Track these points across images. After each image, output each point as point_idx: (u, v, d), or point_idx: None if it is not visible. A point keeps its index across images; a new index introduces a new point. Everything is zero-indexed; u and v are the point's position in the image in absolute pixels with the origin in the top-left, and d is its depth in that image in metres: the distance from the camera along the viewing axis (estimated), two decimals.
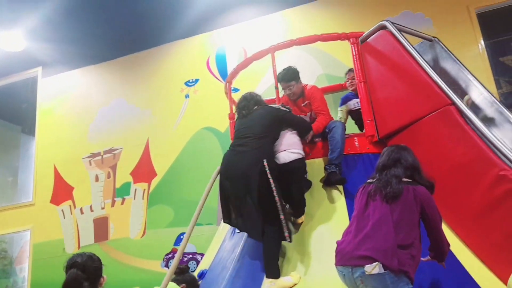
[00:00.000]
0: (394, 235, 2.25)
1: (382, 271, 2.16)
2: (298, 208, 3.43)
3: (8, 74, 7.62)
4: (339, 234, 3.16)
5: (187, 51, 6.63)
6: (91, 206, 6.50)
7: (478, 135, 3.03)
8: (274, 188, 3.13)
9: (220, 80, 6.25)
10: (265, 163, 3.18)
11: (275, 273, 3.04)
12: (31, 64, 7.40)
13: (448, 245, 2.53)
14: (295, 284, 2.97)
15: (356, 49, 4.05)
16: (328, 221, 3.37)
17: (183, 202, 5.97)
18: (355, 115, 4.44)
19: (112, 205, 6.39)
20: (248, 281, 3.23)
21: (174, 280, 3.45)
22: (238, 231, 3.69)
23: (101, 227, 6.34)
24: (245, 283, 3.24)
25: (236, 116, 3.75)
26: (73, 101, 7.15)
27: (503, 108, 3.73)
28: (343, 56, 5.48)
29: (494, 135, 3.03)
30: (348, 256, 2.31)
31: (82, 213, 6.53)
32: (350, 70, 4.44)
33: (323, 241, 3.22)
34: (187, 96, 6.45)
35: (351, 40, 4.08)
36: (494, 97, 3.85)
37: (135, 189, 6.33)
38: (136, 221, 6.18)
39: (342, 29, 4.25)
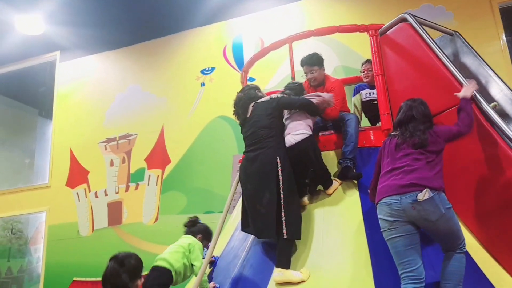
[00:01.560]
0: (428, 167, 2.65)
1: (432, 194, 2.54)
2: (324, 181, 3.47)
3: (27, 58, 7.71)
4: (351, 229, 3.21)
5: (204, 39, 6.63)
6: (105, 190, 6.59)
7: (497, 132, 2.99)
8: (282, 185, 3.16)
9: (236, 69, 6.24)
10: (278, 160, 3.22)
11: (285, 264, 3.06)
12: (49, 48, 7.47)
13: (469, 118, 2.90)
14: (303, 281, 2.96)
15: (375, 41, 4.01)
16: (342, 217, 3.36)
17: (196, 190, 6.03)
18: (366, 106, 4.42)
19: (126, 190, 6.47)
20: (259, 270, 3.26)
21: (188, 233, 3.58)
22: None
23: (115, 211, 6.43)
24: (256, 272, 3.26)
25: (237, 120, 3.72)
26: (90, 86, 7.22)
27: None
28: (361, 49, 5.43)
29: None
30: (393, 188, 2.64)
31: (96, 197, 6.63)
32: (367, 61, 4.42)
33: (336, 237, 3.23)
34: (202, 84, 6.46)
35: (370, 32, 4.03)
36: None
37: (149, 175, 6.39)
38: (149, 206, 6.25)
39: (360, 21, 4.20)
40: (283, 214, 3.12)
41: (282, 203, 3.14)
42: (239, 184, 3.53)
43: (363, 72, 4.53)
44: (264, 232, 3.23)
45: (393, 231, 2.63)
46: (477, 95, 3.10)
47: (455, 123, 2.94)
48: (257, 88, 3.72)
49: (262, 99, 3.57)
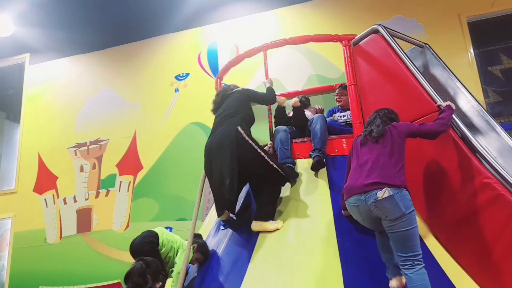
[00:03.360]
0: (390, 164, 2.74)
1: (391, 193, 2.61)
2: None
3: None
4: (321, 228, 3.24)
5: (179, 44, 6.59)
6: (74, 197, 6.43)
7: (464, 142, 3.07)
8: (255, 146, 3.34)
9: (211, 76, 6.22)
10: (239, 129, 3.37)
11: (262, 217, 3.33)
12: (19, 50, 7.30)
13: (446, 124, 3.02)
14: (278, 229, 3.30)
15: (348, 51, 4.07)
16: (313, 222, 3.38)
17: (169, 197, 5.96)
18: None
19: (97, 196, 6.33)
20: (230, 277, 3.24)
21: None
22: (223, 227, 3.69)
23: (84, 218, 6.28)
24: (226, 279, 3.24)
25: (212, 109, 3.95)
26: (60, 89, 7.06)
27: (490, 117, 3.79)
28: (335, 58, 5.52)
29: (480, 143, 3.08)
30: (358, 187, 2.74)
31: (65, 203, 6.46)
32: (341, 86, 4.57)
33: (305, 234, 3.26)
34: (176, 90, 6.41)
35: (343, 42, 4.10)
36: (481, 105, 3.90)
37: (121, 181, 6.28)
38: (120, 213, 6.13)
39: (334, 31, 4.26)
40: (271, 163, 3.33)
41: (264, 156, 3.33)
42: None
43: (337, 96, 4.60)
44: (227, 203, 3.41)
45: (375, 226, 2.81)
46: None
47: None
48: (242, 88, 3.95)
49: (236, 89, 3.86)
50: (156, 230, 3.53)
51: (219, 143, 3.42)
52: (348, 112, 4.26)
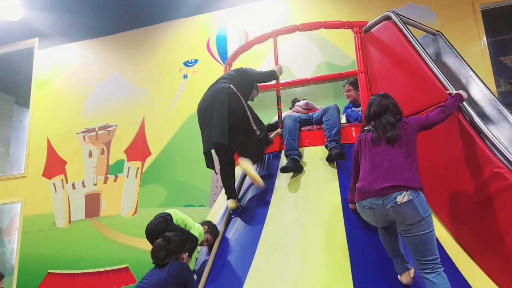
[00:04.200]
0: (407, 165, 2.65)
1: (411, 197, 2.53)
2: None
3: (4, 44, 7.50)
4: (329, 216, 3.23)
5: (188, 30, 6.54)
6: (83, 182, 6.47)
7: (476, 131, 3.04)
8: (244, 104, 3.62)
9: (219, 62, 6.19)
10: (230, 86, 3.62)
11: (251, 158, 3.61)
12: (28, 34, 7.28)
13: (447, 112, 2.97)
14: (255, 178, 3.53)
15: (359, 38, 4.03)
16: (320, 206, 3.37)
17: (176, 183, 5.97)
18: None
19: (105, 181, 6.36)
20: (238, 264, 3.25)
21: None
22: (233, 215, 3.70)
23: (92, 203, 6.32)
24: (235, 266, 3.26)
25: None
26: (69, 74, 7.05)
27: (502, 107, 3.73)
28: (345, 45, 5.45)
29: (492, 132, 3.04)
30: (375, 190, 2.64)
31: (74, 188, 6.50)
32: (347, 82, 4.57)
33: (313, 223, 3.24)
34: (185, 76, 6.38)
35: (354, 29, 4.05)
36: (494, 95, 3.85)
37: (129, 167, 6.30)
38: (128, 199, 6.16)
39: (345, 18, 4.22)
40: (250, 118, 3.60)
41: (248, 111, 3.60)
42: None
43: (346, 92, 4.61)
44: (218, 136, 3.51)
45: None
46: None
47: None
48: None
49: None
50: (169, 211, 3.54)
51: (211, 98, 3.66)
52: (360, 108, 4.22)
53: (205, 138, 3.67)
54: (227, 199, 3.73)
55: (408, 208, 2.52)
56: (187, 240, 3.29)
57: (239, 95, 3.63)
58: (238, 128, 3.59)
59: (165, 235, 3.13)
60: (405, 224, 2.56)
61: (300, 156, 3.68)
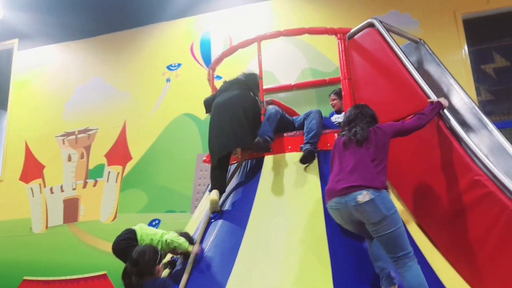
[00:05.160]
0: (371, 166, 2.72)
1: (372, 196, 2.58)
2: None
3: None
4: (311, 222, 3.21)
5: (172, 34, 6.49)
6: (62, 186, 6.34)
7: (456, 139, 3.05)
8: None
9: (203, 66, 6.14)
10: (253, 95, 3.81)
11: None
12: (7, 35, 7.15)
13: (425, 118, 3.00)
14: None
15: (342, 45, 4.04)
16: (302, 212, 3.35)
17: (157, 188, 5.88)
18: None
19: (84, 186, 6.24)
20: (217, 270, 3.20)
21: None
22: (213, 219, 3.65)
23: (71, 208, 6.19)
24: (214, 272, 3.20)
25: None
26: (49, 76, 6.93)
27: (482, 115, 3.77)
28: (329, 52, 5.47)
29: (472, 140, 3.06)
30: (339, 189, 2.71)
31: (52, 192, 6.36)
32: (333, 92, 4.75)
33: (294, 228, 3.22)
34: (168, 80, 6.32)
35: (338, 35, 4.06)
36: (474, 103, 3.89)
37: (109, 172, 6.19)
38: (108, 204, 6.05)
39: (329, 24, 4.23)
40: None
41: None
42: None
43: (331, 102, 4.82)
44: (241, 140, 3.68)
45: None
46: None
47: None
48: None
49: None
50: (136, 226, 3.46)
51: (233, 102, 3.77)
52: (342, 114, 4.26)
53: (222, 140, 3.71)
54: (211, 190, 3.67)
55: (370, 207, 2.59)
56: (157, 252, 3.14)
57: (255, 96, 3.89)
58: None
59: (132, 258, 2.96)
60: (370, 223, 2.62)
61: (273, 139, 3.68)
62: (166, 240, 3.31)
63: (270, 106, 3.97)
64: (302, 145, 3.63)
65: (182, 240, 3.34)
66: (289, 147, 3.79)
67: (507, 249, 2.70)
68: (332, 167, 3.00)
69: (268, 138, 3.62)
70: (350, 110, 3.07)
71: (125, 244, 3.29)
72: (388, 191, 2.71)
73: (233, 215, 3.58)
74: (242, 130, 3.65)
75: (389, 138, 2.86)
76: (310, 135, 3.63)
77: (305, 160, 3.57)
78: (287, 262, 3.04)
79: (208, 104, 4.08)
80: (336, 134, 3.78)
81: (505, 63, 5.86)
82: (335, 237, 3.10)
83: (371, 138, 2.80)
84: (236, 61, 5.13)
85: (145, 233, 3.40)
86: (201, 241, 3.50)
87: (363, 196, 2.59)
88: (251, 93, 3.90)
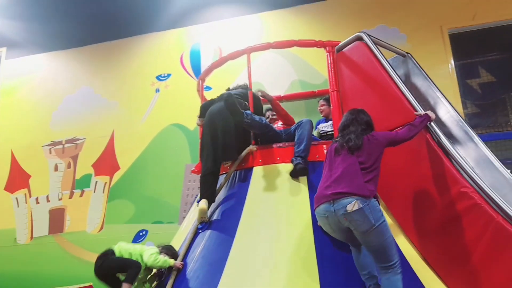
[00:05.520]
0: (361, 174, 2.70)
1: (361, 205, 2.57)
2: None
3: None
4: (299, 232, 3.21)
5: (162, 44, 6.50)
6: (47, 196, 6.25)
7: (443, 151, 3.09)
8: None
9: (192, 77, 6.15)
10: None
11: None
12: None
13: (415, 130, 3.02)
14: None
15: (331, 57, 4.07)
16: (291, 223, 3.35)
17: (145, 199, 5.84)
18: (323, 138, 4.51)
19: (70, 196, 6.16)
20: (205, 281, 3.17)
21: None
22: (201, 230, 3.62)
23: (56, 219, 6.10)
24: (202, 283, 3.17)
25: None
26: (37, 85, 6.87)
27: (468, 128, 3.83)
28: (318, 64, 5.52)
29: (458, 152, 3.10)
30: (327, 195, 2.70)
31: (37, 202, 6.27)
32: (322, 98, 4.74)
33: (283, 239, 3.20)
34: (157, 90, 6.31)
35: (327, 48, 4.10)
36: (461, 116, 3.95)
37: (96, 182, 6.13)
38: (95, 215, 5.98)
39: (318, 37, 4.27)
40: None
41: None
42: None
43: (320, 107, 4.79)
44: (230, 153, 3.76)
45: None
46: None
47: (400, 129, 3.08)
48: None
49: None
50: (115, 245, 3.43)
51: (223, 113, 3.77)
52: (330, 123, 4.28)
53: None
54: (200, 199, 3.65)
55: (359, 216, 2.58)
56: (123, 270, 3.21)
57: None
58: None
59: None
60: (358, 232, 2.62)
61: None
62: (146, 264, 3.31)
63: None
64: (293, 158, 3.62)
65: (161, 261, 3.31)
66: (278, 158, 3.79)
67: (493, 260, 2.72)
68: (323, 174, 2.98)
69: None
70: (346, 115, 3.06)
71: (99, 263, 3.30)
72: (377, 200, 2.72)
73: (222, 226, 3.56)
74: (231, 142, 3.71)
75: (382, 147, 2.86)
76: (301, 148, 3.61)
77: (296, 174, 3.57)
78: (275, 272, 3.02)
79: (204, 109, 4.11)
80: (324, 146, 3.83)
81: (490, 78, 5.97)
82: (323, 247, 3.09)
83: (364, 146, 2.79)
84: (226, 72, 5.15)
85: (124, 249, 3.37)
86: (185, 255, 3.46)
87: (352, 205, 2.58)
88: (246, 103, 3.92)
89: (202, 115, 4.12)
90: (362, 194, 2.62)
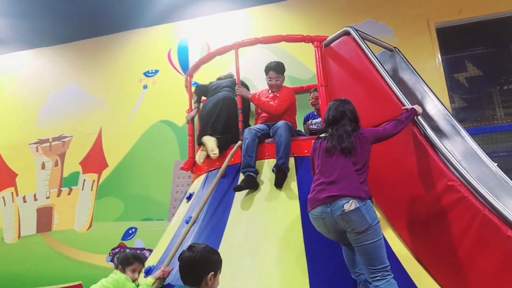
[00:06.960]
0: (355, 175, 2.71)
1: (358, 205, 2.58)
2: None
3: None
4: (288, 228, 3.21)
5: (149, 40, 6.44)
6: (35, 195, 6.17)
7: (430, 145, 3.11)
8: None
9: (180, 73, 6.11)
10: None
11: None
12: None
13: (401, 125, 3.04)
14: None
15: (319, 52, 4.07)
16: (280, 218, 3.35)
17: (134, 196, 5.80)
18: (313, 134, 4.49)
19: (58, 194, 6.09)
20: None
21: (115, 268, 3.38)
22: (188, 201, 3.62)
23: (44, 217, 6.03)
24: None
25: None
26: (22, 82, 6.76)
27: (455, 122, 3.86)
28: (306, 59, 5.51)
29: (446, 146, 3.12)
30: (322, 198, 2.69)
31: (24, 201, 6.19)
32: (315, 89, 4.53)
33: (271, 235, 3.21)
34: (145, 87, 6.26)
35: (315, 43, 4.09)
36: (448, 110, 3.98)
37: (84, 180, 6.07)
38: (83, 213, 5.92)
39: (306, 32, 4.26)
40: None
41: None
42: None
43: (312, 99, 4.65)
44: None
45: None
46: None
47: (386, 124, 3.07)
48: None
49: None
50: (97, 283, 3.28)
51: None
52: (320, 120, 4.26)
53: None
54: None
55: (356, 216, 2.58)
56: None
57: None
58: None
59: None
60: (354, 232, 2.61)
61: (257, 173, 3.64)
62: None
63: (246, 131, 3.85)
64: (273, 167, 3.61)
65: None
66: (267, 154, 3.79)
67: (480, 253, 2.75)
68: (313, 171, 2.96)
69: (251, 174, 3.58)
70: (334, 108, 2.96)
71: None
72: (371, 201, 2.73)
73: (211, 222, 3.55)
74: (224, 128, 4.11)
75: (370, 144, 2.87)
76: (279, 154, 3.59)
77: (277, 180, 3.54)
78: (264, 268, 3.03)
79: (202, 91, 4.64)
80: (313, 141, 3.82)
81: (477, 72, 6.03)
82: (312, 242, 3.10)
83: (356, 147, 2.77)
84: (214, 67, 5.11)
85: (105, 286, 3.25)
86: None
87: (349, 204, 2.58)
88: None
89: (197, 93, 4.60)
90: (359, 196, 2.63)
